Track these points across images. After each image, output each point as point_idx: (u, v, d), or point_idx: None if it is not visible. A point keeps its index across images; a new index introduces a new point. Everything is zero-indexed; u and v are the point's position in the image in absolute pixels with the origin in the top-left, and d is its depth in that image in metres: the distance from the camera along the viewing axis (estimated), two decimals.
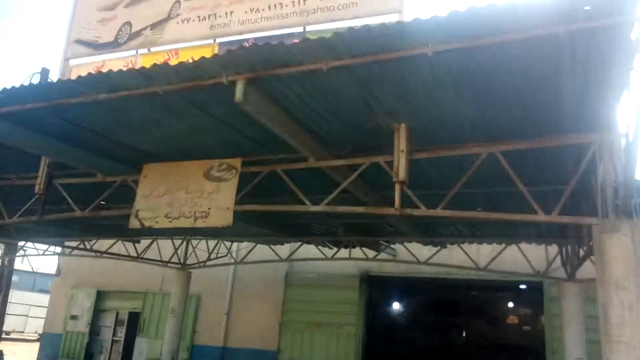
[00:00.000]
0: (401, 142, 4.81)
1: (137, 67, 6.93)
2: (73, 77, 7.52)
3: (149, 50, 7.48)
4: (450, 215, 4.82)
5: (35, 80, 6.71)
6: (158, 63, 4.20)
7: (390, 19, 6.03)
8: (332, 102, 4.61)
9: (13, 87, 4.82)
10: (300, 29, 6.47)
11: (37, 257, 12.13)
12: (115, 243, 10.88)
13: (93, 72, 7.45)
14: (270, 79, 4.08)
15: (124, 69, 7.16)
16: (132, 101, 4.87)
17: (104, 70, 7.28)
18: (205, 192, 6.20)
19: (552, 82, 3.63)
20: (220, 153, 6.08)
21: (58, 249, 12.09)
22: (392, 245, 10.31)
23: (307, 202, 5.65)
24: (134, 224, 6.33)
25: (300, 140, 5.11)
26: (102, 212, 6.71)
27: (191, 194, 6.29)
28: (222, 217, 6.12)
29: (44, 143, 5.87)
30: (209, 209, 6.27)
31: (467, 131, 4.75)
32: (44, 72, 8.84)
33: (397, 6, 5.94)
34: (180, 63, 3.97)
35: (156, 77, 4.30)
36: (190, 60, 5.85)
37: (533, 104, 3.99)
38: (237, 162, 6.12)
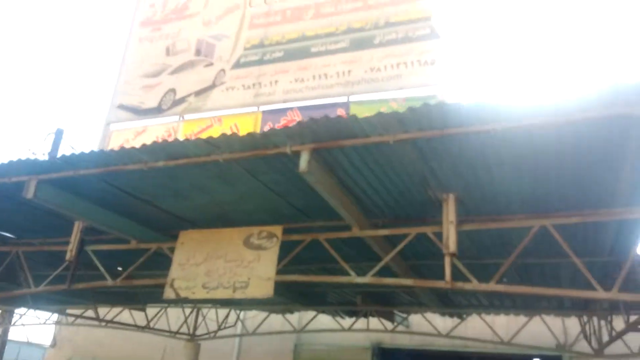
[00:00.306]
0: (450, 213, 4.82)
1: (179, 132, 7.22)
2: (114, 140, 7.82)
3: (181, 116, 7.67)
4: (504, 290, 4.69)
5: (50, 139, 6.88)
6: (226, 133, 4.28)
7: (433, 91, 6.24)
8: (388, 173, 4.67)
9: (72, 154, 4.93)
10: (344, 99, 6.66)
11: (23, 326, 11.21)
12: (121, 311, 10.38)
13: (133, 136, 7.71)
14: (333, 149, 4.15)
15: (166, 134, 7.46)
16: (187, 168, 4.93)
17: (146, 135, 7.57)
18: (245, 261, 6.10)
19: (610, 161, 3.67)
20: (259, 220, 6.07)
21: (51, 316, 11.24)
22: (404, 315, 10.01)
23: (352, 273, 5.56)
24: (169, 294, 6.17)
25: (347, 209, 5.11)
26: (135, 281, 6.58)
27: (230, 262, 6.19)
28: (262, 287, 5.98)
29: (84, 207, 5.91)
30: (248, 278, 6.15)
31: (515, 203, 4.78)
32: (58, 133, 9.05)
33: (438, 80, 6.14)
34: (249, 134, 4.08)
35: (221, 146, 4.37)
36: (234, 127, 5.88)
37: (590, 180, 4.02)
38: (277, 229, 6.07)
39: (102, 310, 10.03)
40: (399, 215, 5.33)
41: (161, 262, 7.10)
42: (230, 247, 6.14)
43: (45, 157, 5.29)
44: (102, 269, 6.49)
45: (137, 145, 7.28)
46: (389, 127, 3.81)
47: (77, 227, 6.45)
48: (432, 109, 3.58)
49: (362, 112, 6.29)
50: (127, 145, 7.46)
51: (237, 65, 7.45)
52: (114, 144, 7.78)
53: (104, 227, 6.37)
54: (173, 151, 4.64)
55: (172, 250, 6.29)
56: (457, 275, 4.73)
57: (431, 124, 3.70)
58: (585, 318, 7.85)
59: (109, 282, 6.52)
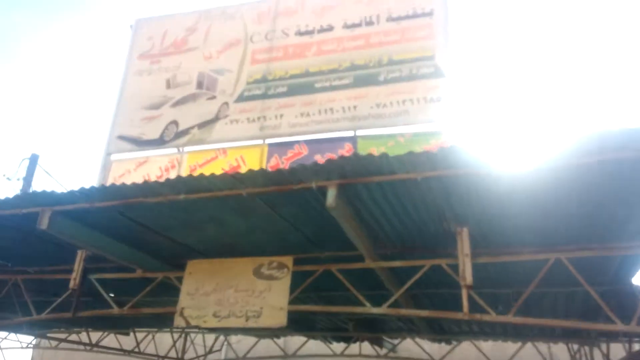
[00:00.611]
0: (465, 246, 5.00)
1: (183, 164, 7.25)
2: (114, 170, 7.78)
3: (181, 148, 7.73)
4: (522, 322, 4.87)
5: (25, 164, 6.82)
6: (253, 169, 4.38)
7: (439, 128, 6.53)
8: (407, 207, 4.86)
9: (92, 187, 4.94)
10: (351, 133, 6.87)
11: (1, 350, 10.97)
12: (106, 335, 10.17)
13: (134, 167, 7.69)
14: (358, 185, 4.32)
15: (169, 165, 7.48)
16: (206, 201, 5.00)
17: (148, 165, 7.56)
18: (256, 291, 6.15)
19: (623, 197, 3.97)
20: (268, 250, 6.16)
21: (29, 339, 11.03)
22: (394, 342, 10.10)
23: (367, 304, 5.66)
24: (179, 322, 6.17)
25: (362, 240, 5.27)
26: (144, 309, 6.52)
27: (241, 292, 6.22)
28: (275, 317, 6.02)
29: (94, 237, 5.88)
30: (261, 308, 6.19)
31: (525, 236, 5.01)
32: (33, 158, 8.95)
33: (445, 116, 6.44)
34: (278, 170, 4.20)
35: (245, 180, 4.47)
36: (239, 158, 5.99)
37: (604, 215, 4.30)
38: (288, 260, 6.16)
39: (85, 335, 9.78)
40: (410, 246, 5.51)
41: (166, 290, 7.05)
42: (240, 277, 6.18)
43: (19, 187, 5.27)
44: (106, 296, 6.44)
45: (140, 177, 7.35)
46: (418, 165, 4.02)
47: (81, 255, 6.41)
48: (459, 150, 3.82)
49: (370, 147, 6.58)
50: (128, 175, 7.50)
51: (241, 98, 7.60)
52: (114, 174, 7.75)
53: (112, 257, 6.34)
54: (196, 185, 4.73)
55: (179, 279, 6.30)
56: (472, 306, 4.89)
57: (457, 163, 3.94)
58: (575, 346, 8.13)
59: (115, 310, 6.46)
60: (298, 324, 9.02)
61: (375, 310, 5.44)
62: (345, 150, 6.61)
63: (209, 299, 6.18)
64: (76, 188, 5.05)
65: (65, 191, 5.05)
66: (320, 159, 6.54)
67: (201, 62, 8.21)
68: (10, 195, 5.24)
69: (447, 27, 7.15)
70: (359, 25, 7.60)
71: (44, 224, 5.15)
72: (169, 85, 8.19)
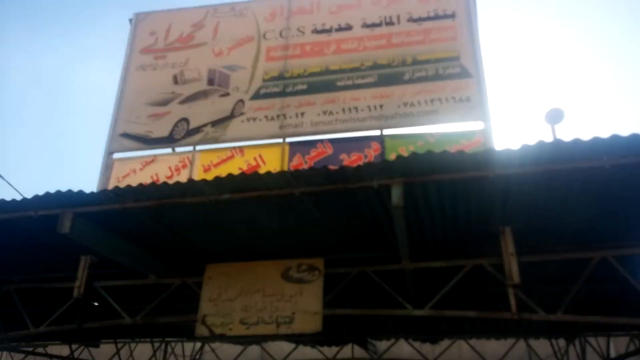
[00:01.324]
0: (509, 245, 4.99)
1: (195, 163, 6.99)
2: (117, 170, 7.40)
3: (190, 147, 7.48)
4: (571, 320, 4.90)
5: None
6: (316, 167, 4.23)
7: (470, 127, 6.55)
8: (458, 206, 4.79)
9: (127, 187, 4.66)
10: (377, 132, 6.79)
11: None
12: (77, 348, 9.62)
13: (140, 166, 7.35)
14: (428, 184, 4.24)
15: (180, 164, 7.19)
16: (248, 201, 4.82)
17: (156, 165, 7.24)
18: (286, 295, 5.95)
19: None
20: (295, 252, 5.99)
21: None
22: (373, 342, 10.03)
23: (408, 305, 5.58)
24: (201, 331, 5.88)
25: (406, 241, 5.18)
26: (158, 318, 6.18)
27: (269, 297, 6.00)
28: (310, 322, 5.83)
29: (111, 242, 5.56)
30: (293, 313, 5.98)
31: (569, 234, 5.07)
32: None
33: (480, 116, 6.46)
34: (342, 167, 4.05)
35: (301, 179, 4.32)
36: (258, 158, 5.83)
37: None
38: (319, 262, 6.00)
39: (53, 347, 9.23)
40: (452, 246, 5.48)
41: (180, 298, 6.75)
42: (267, 280, 5.95)
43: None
44: (116, 305, 6.08)
45: (148, 177, 7.01)
46: (492, 163, 3.98)
47: (85, 262, 6.02)
48: (524, 149, 3.81)
49: (398, 146, 6.53)
50: (134, 176, 7.16)
51: (257, 96, 7.40)
52: (117, 174, 7.36)
53: (128, 263, 6.01)
54: (245, 184, 4.52)
55: (198, 285, 6.02)
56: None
57: (512, 162, 3.93)
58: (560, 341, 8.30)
59: (127, 320, 6.10)
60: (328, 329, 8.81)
61: (418, 312, 5.36)
62: (373, 150, 6.54)
63: (234, 304, 5.92)
64: (107, 188, 4.76)
65: (94, 191, 4.74)
66: (347, 158, 6.44)
67: (211, 58, 7.96)
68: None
69: (471, 28, 7.23)
70: (379, 25, 7.58)
71: (65, 227, 4.80)
72: (176, 81, 7.89)
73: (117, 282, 6.22)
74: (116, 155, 7.57)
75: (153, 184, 4.62)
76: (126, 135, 7.55)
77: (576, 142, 3.65)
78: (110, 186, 6.94)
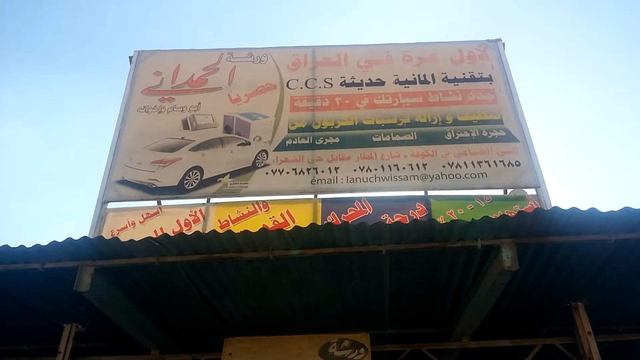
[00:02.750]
0: (584, 323, 4.74)
1: (210, 217, 6.38)
2: (112, 222, 6.61)
3: (204, 199, 6.91)
4: None
5: None
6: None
7: (528, 192, 6.42)
8: (549, 273, 4.55)
9: (181, 235, 4.06)
10: (421, 193, 6.53)
11: None
12: None
13: (142, 218, 6.61)
14: (535, 246, 3.96)
15: (191, 218, 6.55)
16: (314, 259, 4.35)
17: (161, 217, 6.56)
18: None
19: None
20: (334, 326, 5.45)
21: None
22: None
23: None
24: None
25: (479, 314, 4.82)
26: None
27: None
28: None
29: (123, 306, 4.81)
30: None
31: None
32: None
33: (533, 182, 6.36)
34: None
35: (395, 234, 3.91)
36: (286, 214, 5.36)
37: None
38: (364, 338, 5.48)
39: None
40: (524, 322, 5.12)
41: None
42: (302, 358, 5.31)
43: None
44: None
45: (151, 231, 6.31)
46: (605, 226, 3.75)
47: (69, 331, 5.19)
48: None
49: (446, 209, 6.24)
50: (133, 229, 6.41)
51: (283, 147, 7.01)
52: (111, 227, 6.55)
53: (131, 333, 5.21)
54: (318, 238, 4.04)
55: None
56: None
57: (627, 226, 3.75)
58: None
59: None
60: None
61: None
62: (418, 212, 6.22)
63: None
64: (139, 238, 4.09)
65: (119, 240, 4.06)
66: (390, 219, 6.06)
67: (227, 104, 7.57)
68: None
69: (511, 92, 7.34)
70: (413, 82, 7.56)
71: (83, 284, 4.08)
72: (187, 126, 7.38)
73: (109, 357, 5.34)
74: (111, 205, 6.79)
75: (199, 234, 4.03)
76: (125, 183, 6.85)
77: None
78: None
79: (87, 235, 6.87)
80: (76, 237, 3.99)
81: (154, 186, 6.74)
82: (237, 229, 5.38)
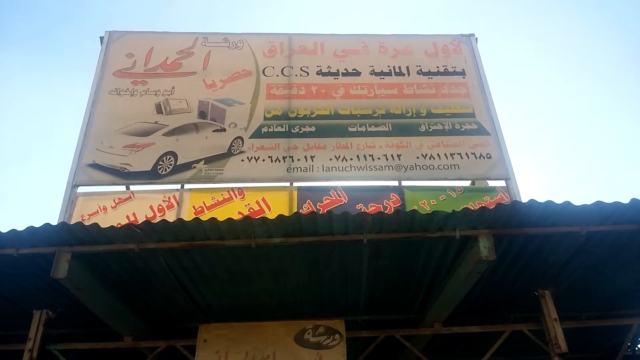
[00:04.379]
0: (551, 310, 4.92)
1: (184, 202, 6.28)
2: (82, 207, 6.41)
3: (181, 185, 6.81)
4: None
5: None
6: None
7: (492, 184, 6.59)
8: (520, 263, 4.70)
9: (162, 222, 3.97)
10: (395, 183, 6.61)
11: None
12: None
13: (113, 203, 6.43)
14: (510, 237, 4.08)
15: (164, 203, 6.42)
16: (292, 248, 4.38)
17: (134, 202, 6.41)
18: None
19: None
20: (308, 312, 5.51)
21: None
22: None
23: None
24: None
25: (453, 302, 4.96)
26: None
27: None
28: None
29: (100, 294, 4.72)
30: None
31: (611, 299, 5.12)
32: None
33: (503, 174, 6.53)
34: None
35: (376, 223, 3.95)
36: (261, 201, 5.41)
37: None
38: (339, 324, 5.56)
39: None
40: (490, 309, 5.28)
41: None
42: (278, 345, 5.36)
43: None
44: None
45: (123, 216, 6.17)
46: (574, 218, 3.89)
47: (39, 318, 5.05)
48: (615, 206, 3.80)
49: (419, 199, 6.35)
50: (104, 214, 6.27)
51: (259, 135, 6.93)
52: (82, 211, 6.35)
53: (105, 319, 5.11)
54: (300, 227, 4.04)
55: (189, 349, 5.27)
56: None
57: (597, 219, 3.92)
58: None
59: None
60: None
61: None
62: (392, 202, 6.29)
63: None
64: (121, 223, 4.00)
65: (99, 226, 3.96)
66: (365, 209, 6.11)
67: (202, 89, 7.41)
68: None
69: (483, 86, 7.48)
70: (388, 74, 7.60)
71: (60, 270, 3.96)
72: (160, 110, 7.18)
73: (81, 344, 5.21)
74: (82, 190, 6.57)
75: (182, 221, 3.97)
76: (96, 166, 6.63)
77: None
78: None
79: (54, 219, 6.65)
80: (39, 222, 3.87)
81: (126, 171, 6.57)
82: (211, 215, 5.35)
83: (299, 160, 6.57)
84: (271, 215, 4.98)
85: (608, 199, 3.66)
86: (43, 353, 4.76)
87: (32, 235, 3.92)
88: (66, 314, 4.99)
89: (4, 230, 3.83)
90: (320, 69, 7.67)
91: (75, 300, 4.44)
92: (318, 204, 6.23)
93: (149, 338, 5.31)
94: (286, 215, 3.88)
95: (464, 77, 7.64)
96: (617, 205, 3.68)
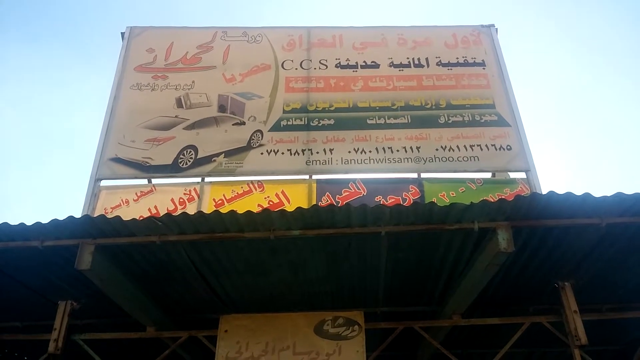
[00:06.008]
0: (571, 302, 4.87)
1: (204, 196, 6.37)
2: (105, 200, 6.55)
3: (199, 178, 6.90)
4: None
5: None
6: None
7: (517, 175, 6.53)
8: (539, 255, 4.65)
9: (169, 215, 4.05)
10: (414, 175, 6.60)
11: None
12: None
13: (135, 197, 6.56)
14: (530, 229, 4.04)
15: (185, 196, 6.52)
16: (309, 240, 4.40)
17: (156, 195, 6.52)
18: (322, 354, 5.41)
19: None
20: (328, 304, 5.55)
21: None
22: None
23: None
24: None
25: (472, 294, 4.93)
26: None
27: (301, 355, 5.44)
28: None
29: (123, 285, 4.82)
30: None
31: (632, 291, 5.04)
32: None
33: (523, 166, 6.46)
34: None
35: (395, 216, 3.96)
36: (281, 194, 5.40)
37: None
38: (358, 315, 5.58)
39: None
40: (509, 302, 5.26)
41: (184, 357, 5.97)
42: (298, 336, 5.41)
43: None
44: None
45: (145, 209, 6.28)
46: (598, 210, 3.84)
47: (64, 308, 5.17)
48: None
49: (439, 191, 6.33)
50: (127, 207, 6.39)
51: (278, 128, 6.99)
52: (105, 204, 6.50)
53: (129, 310, 5.22)
54: (319, 219, 4.07)
55: (210, 339, 5.36)
56: None
57: (616, 211, 3.85)
58: None
59: None
60: None
61: None
62: (411, 194, 6.29)
63: None
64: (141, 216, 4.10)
65: (121, 219, 4.05)
66: (384, 201, 6.12)
67: (221, 83, 7.49)
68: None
69: (503, 77, 7.41)
70: (407, 66, 7.57)
71: (84, 262, 4.06)
72: (181, 104, 7.29)
73: (105, 334, 5.35)
74: (104, 183, 6.72)
75: (202, 213, 4.04)
76: (119, 160, 6.77)
77: None
78: None
79: (77, 212, 6.81)
80: (63, 215, 3.98)
81: (147, 164, 6.69)
82: (232, 208, 5.43)
83: (317, 153, 6.61)
84: (290, 207, 5.03)
85: (629, 190, 3.59)
86: (68, 343, 4.91)
87: (56, 228, 4.04)
88: (90, 305, 5.13)
89: (29, 223, 3.97)
90: (339, 62, 7.68)
91: (98, 291, 4.56)
92: (337, 196, 6.27)
93: (171, 329, 5.43)
94: (305, 207, 3.92)
95: (484, 68, 7.56)
96: (637, 196, 3.62)
